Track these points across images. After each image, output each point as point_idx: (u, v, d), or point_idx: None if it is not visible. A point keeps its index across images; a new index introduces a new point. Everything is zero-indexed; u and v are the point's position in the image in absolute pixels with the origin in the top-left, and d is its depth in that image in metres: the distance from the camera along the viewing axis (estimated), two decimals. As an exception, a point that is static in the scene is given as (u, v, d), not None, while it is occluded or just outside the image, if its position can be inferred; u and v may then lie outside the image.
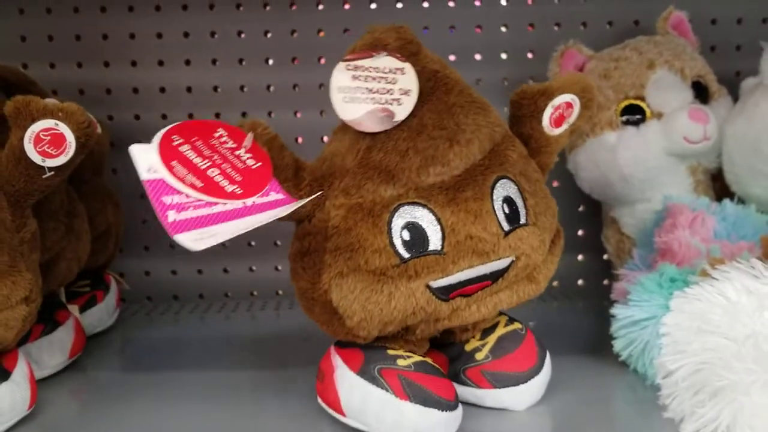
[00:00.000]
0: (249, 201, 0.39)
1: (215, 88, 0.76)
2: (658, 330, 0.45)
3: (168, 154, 0.38)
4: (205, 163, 0.39)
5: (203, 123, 0.41)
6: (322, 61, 0.76)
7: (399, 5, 0.75)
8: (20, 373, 0.47)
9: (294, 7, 0.75)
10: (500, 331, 0.47)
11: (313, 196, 0.41)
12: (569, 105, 0.45)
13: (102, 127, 0.68)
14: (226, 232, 0.38)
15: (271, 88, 0.76)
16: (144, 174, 0.38)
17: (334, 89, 0.41)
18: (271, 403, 0.49)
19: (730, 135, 0.60)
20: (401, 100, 0.41)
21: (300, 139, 0.76)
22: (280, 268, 0.79)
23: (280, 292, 0.79)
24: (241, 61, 0.76)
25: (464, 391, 0.46)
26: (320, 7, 0.75)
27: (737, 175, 0.60)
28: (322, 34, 0.75)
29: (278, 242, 0.78)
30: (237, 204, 0.39)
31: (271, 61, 0.76)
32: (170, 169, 0.38)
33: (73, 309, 0.63)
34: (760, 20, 0.74)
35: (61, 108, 0.45)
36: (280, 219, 0.40)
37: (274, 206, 0.40)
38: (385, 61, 0.42)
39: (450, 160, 0.41)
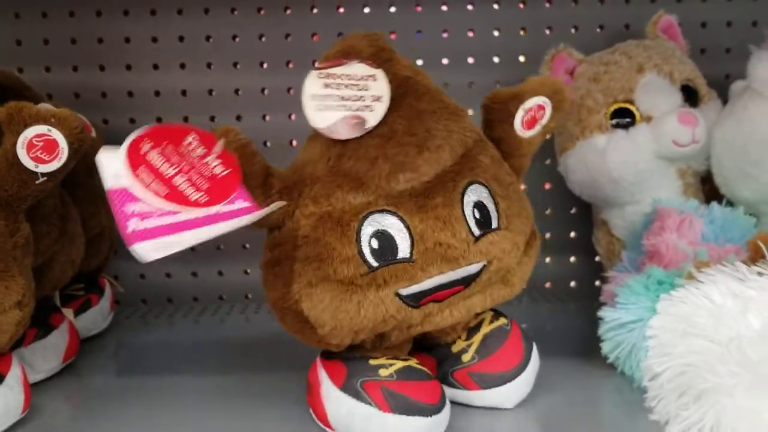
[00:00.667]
0: (213, 209, 0.39)
1: (210, 92, 0.77)
2: (645, 332, 0.46)
3: (135, 161, 0.38)
4: (171, 170, 0.39)
5: (175, 128, 0.41)
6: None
7: (392, 9, 0.75)
8: (14, 377, 0.47)
9: (289, 11, 0.75)
10: (485, 328, 0.47)
11: (274, 207, 0.41)
12: (541, 107, 0.46)
13: (96, 131, 0.69)
14: (184, 241, 0.37)
15: (266, 92, 0.76)
16: (110, 181, 0.37)
17: (306, 97, 0.41)
18: (264, 406, 0.49)
19: (718, 138, 0.60)
20: (373, 106, 0.41)
21: (294, 143, 0.77)
22: (274, 270, 0.79)
23: (275, 294, 0.79)
24: (235, 64, 0.76)
25: (453, 393, 0.47)
26: (314, 11, 0.75)
27: (726, 178, 0.60)
28: (316, 37, 0.76)
29: (272, 245, 0.78)
30: (200, 212, 0.39)
31: (265, 65, 0.76)
32: (136, 176, 0.38)
33: (68, 312, 0.63)
34: (749, 23, 0.74)
35: (54, 114, 0.45)
36: (249, 228, 0.40)
37: (239, 214, 0.40)
38: (356, 68, 0.42)
39: (419, 167, 0.41)
